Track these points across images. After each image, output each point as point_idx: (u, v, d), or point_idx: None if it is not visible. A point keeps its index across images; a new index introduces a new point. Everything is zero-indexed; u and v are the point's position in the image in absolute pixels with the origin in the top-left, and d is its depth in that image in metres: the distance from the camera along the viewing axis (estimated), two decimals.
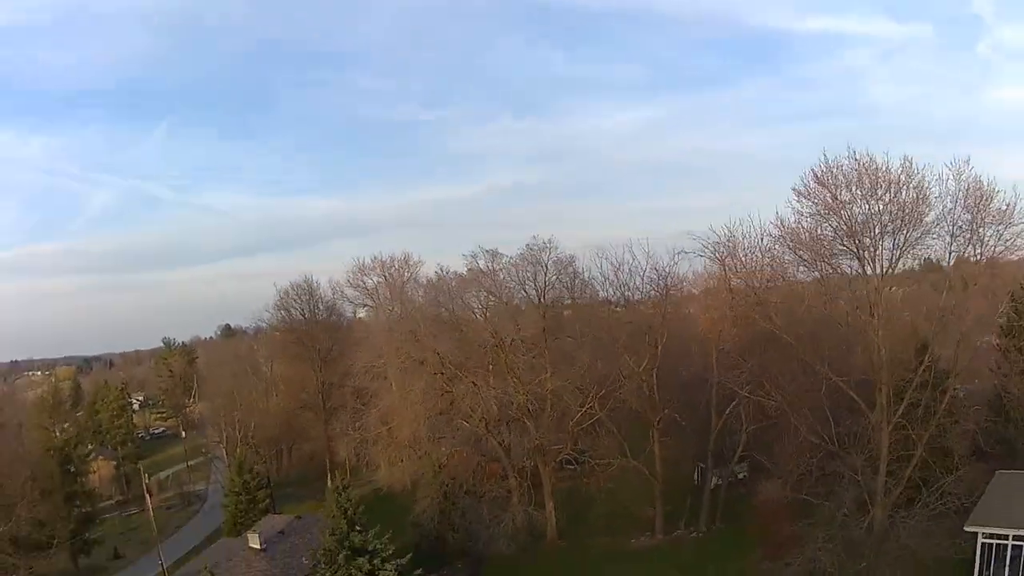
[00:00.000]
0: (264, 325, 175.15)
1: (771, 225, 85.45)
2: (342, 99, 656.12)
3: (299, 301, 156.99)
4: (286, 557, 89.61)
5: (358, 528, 73.72)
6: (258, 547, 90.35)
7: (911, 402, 77.65)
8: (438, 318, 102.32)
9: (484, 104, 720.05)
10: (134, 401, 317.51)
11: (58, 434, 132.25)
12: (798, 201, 79.17)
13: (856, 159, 76.77)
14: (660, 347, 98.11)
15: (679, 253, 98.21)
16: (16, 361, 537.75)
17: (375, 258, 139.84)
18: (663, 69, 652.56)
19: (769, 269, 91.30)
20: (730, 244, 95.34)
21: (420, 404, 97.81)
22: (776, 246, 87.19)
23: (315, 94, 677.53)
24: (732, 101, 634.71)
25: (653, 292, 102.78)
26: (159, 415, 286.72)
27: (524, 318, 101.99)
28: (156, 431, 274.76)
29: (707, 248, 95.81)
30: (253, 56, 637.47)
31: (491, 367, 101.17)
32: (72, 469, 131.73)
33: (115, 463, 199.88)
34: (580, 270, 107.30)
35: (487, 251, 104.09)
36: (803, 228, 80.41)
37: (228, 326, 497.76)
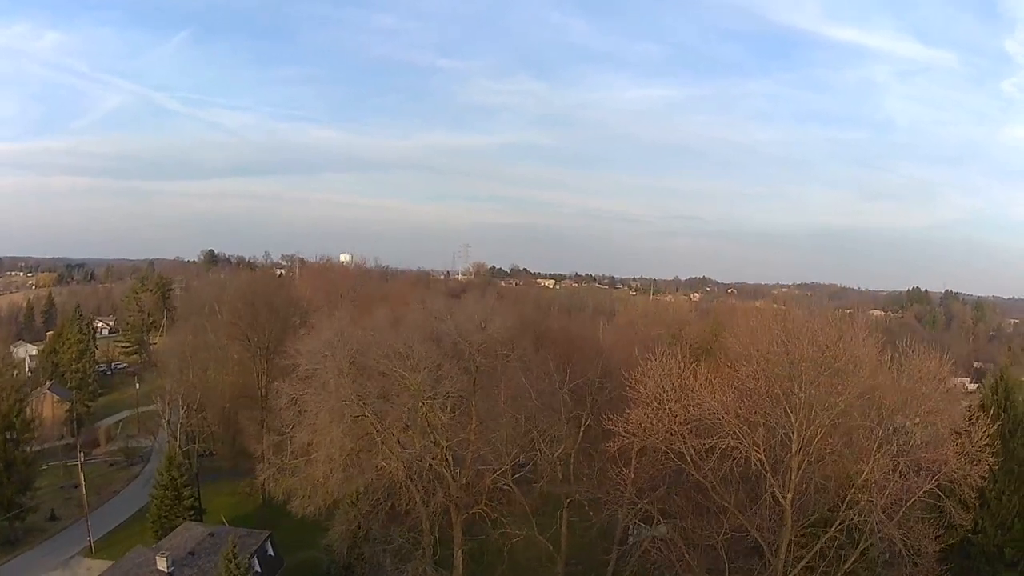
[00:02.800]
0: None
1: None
2: (361, 37, 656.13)
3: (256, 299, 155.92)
4: None
5: None
6: (165, 570, 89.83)
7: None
8: (364, 364, 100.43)
9: (501, 60, 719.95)
10: (102, 326, 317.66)
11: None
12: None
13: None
14: (583, 428, 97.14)
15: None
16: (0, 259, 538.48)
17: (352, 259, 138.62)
18: (682, 51, 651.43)
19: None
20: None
21: (337, 446, 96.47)
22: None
23: (335, 28, 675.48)
24: (745, 93, 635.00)
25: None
26: (123, 349, 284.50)
27: (451, 371, 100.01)
28: (118, 365, 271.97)
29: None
30: None
31: (411, 422, 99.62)
32: (14, 436, 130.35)
33: (68, 403, 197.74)
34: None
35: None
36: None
37: (212, 252, 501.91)
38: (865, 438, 78.64)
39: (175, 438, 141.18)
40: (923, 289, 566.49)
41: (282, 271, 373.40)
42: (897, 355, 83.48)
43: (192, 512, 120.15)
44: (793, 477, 77.13)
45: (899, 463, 75.12)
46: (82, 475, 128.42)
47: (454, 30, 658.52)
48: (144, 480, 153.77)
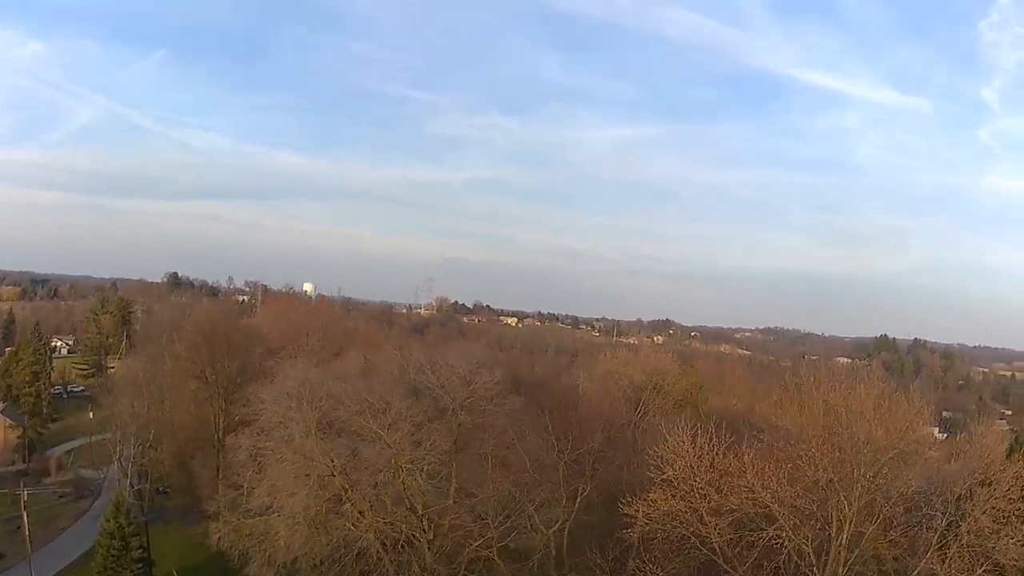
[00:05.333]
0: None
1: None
2: (335, 64, 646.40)
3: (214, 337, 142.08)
4: None
5: None
6: None
7: None
8: (335, 419, 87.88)
9: (474, 94, 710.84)
10: (62, 345, 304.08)
11: None
12: None
13: None
14: (580, 499, 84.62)
15: None
16: None
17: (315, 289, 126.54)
18: (656, 92, 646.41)
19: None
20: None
21: (301, 508, 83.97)
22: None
23: (310, 54, 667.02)
24: (716, 136, 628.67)
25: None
26: (80, 371, 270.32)
27: (433, 431, 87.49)
28: (75, 388, 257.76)
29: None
30: (259, 7, 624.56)
31: (385, 486, 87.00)
32: None
33: (21, 429, 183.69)
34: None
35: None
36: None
37: (175, 274, 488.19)
38: (927, 528, 67.32)
39: (126, 476, 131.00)
40: (890, 336, 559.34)
41: (244, 298, 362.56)
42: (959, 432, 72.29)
43: (140, 565, 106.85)
44: (841, 573, 65.22)
45: (964, 555, 64.09)
46: (25, 516, 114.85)
47: (429, 62, 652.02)
48: (94, 516, 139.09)
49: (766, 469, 67.82)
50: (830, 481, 66.04)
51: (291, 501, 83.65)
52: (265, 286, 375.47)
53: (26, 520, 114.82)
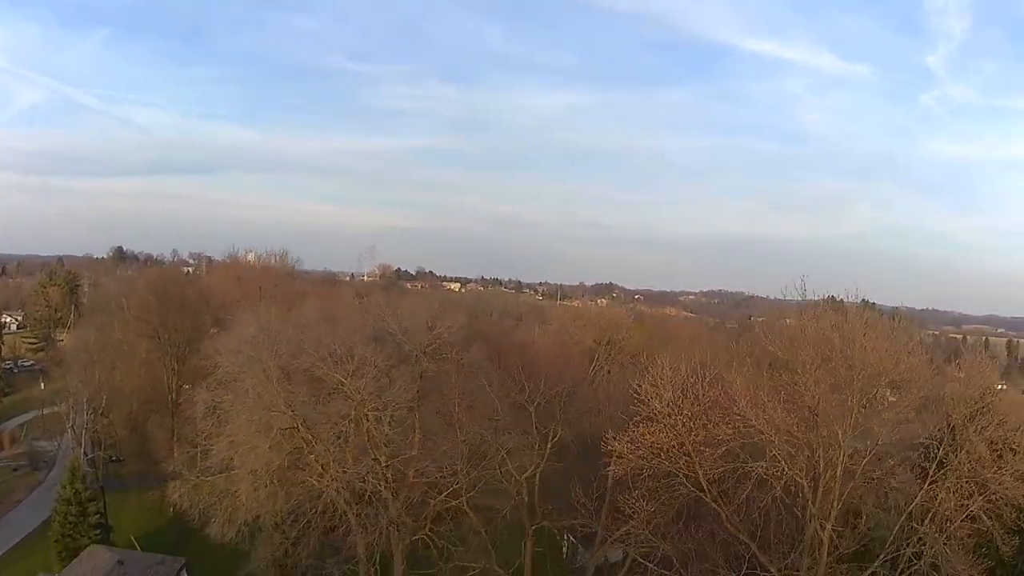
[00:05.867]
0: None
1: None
2: (274, 39, 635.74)
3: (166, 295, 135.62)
4: None
5: None
6: None
7: None
8: (296, 368, 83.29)
9: (413, 64, 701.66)
10: (11, 320, 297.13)
11: None
12: None
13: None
14: (551, 445, 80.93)
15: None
16: None
17: (259, 257, 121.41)
18: (595, 59, 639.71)
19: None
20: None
21: (263, 461, 79.53)
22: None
23: (250, 29, 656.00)
24: (657, 103, 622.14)
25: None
26: (30, 345, 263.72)
27: (397, 376, 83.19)
28: (25, 363, 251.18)
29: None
30: None
31: (349, 434, 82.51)
32: None
33: None
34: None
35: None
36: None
37: (120, 249, 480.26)
38: (925, 457, 65.13)
39: (80, 444, 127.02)
40: (837, 298, 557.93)
41: (189, 269, 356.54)
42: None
43: (98, 531, 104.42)
44: (835, 505, 62.45)
45: (962, 486, 61.51)
46: None
47: (367, 34, 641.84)
48: (48, 487, 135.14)
49: (760, 396, 64.65)
50: (825, 409, 63.02)
51: (252, 456, 79.59)
52: (209, 257, 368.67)
53: None
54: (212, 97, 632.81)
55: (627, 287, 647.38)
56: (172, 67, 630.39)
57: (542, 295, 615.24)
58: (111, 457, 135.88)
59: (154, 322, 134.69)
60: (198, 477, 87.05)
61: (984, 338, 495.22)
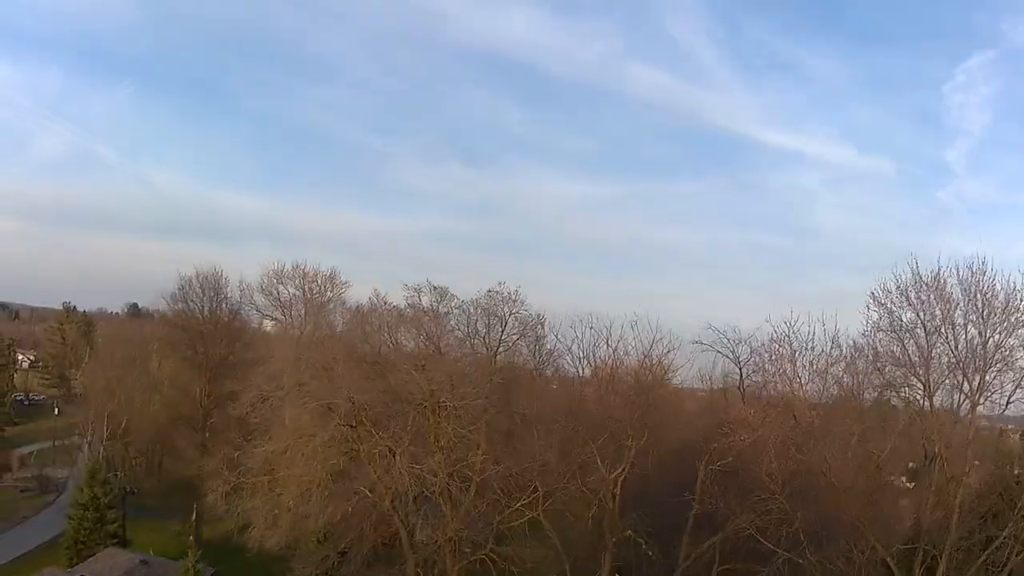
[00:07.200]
0: (163, 310, 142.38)
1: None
2: (298, 107, 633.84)
3: (201, 295, 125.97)
4: None
5: None
6: None
7: None
8: (359, 356, 75.06)
9: (433, 144, 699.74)
10: (23, 359, 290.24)
11: None
12: (877, 311, 57.76)
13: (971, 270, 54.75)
14: (634, 450, 72.10)
15: (694, 343, 70.31)
16: None
17: (297, 265, 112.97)
18: (615, 147, 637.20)
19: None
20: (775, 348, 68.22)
21: (318, 460, 71.15)
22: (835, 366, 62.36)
23: (274, 96, 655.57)
24: (670, 192, 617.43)
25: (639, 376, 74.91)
26: (43, 380, 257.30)
27: (464, 381, 75.05)
28: (36, 396, 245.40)
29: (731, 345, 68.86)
30: (223, 44, 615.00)
31: (414, 431, 74.02)
32: None
33: None
34: (549, 335, 79.81)
35: (435, 287, 77.25)
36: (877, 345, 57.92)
37: (135, 305, 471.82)
38: None
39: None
40: None
41: None
42: None
43: (116, 540, 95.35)
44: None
45: None
46: None
47: (388, 110, 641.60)
48: (58, 509, 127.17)
49: None
50: None
51: (303, 454, 71.25)
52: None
53: None
54: (228, 162, 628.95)
55: None
56: (192, 128, 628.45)
57: None
58: (127, 489, 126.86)
59: (191, 334, 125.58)
60: (238, 478, 78.32)
61: None
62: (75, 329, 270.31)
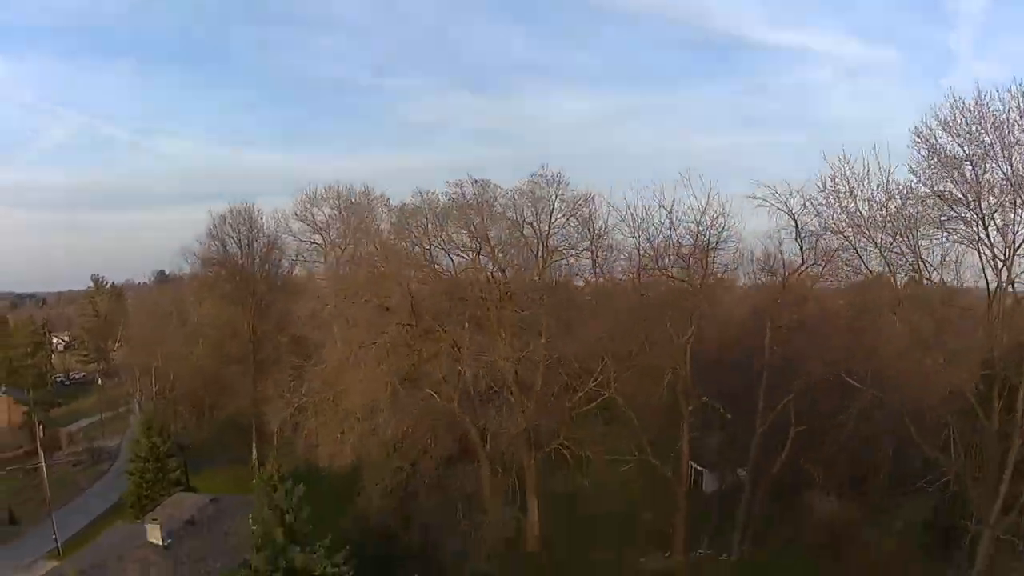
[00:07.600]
0: (195, 260, 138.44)
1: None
2: (301, 60, 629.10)
3: (236, 231, 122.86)
4: (196, 561, 61.75)
5: (297, 545, 46.73)
6: (159, 543, 62.08)
7: None
8: (408, 255, 72.88)
9: (440, 77, 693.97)
10: (58, 341, 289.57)
11: None
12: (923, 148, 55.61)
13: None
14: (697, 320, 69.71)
15: (748, 197, 66.86)
16: None
17: (330, 187, 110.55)
18: (620, 62, 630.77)
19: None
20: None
21: (382, 364, 69.13)
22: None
23: (276, 51, 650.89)
24: (684, 101, 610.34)
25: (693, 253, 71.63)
26: (81, 358, 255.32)
27: (517, 274, 73.03)
28: (76, 375, 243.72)
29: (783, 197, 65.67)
30: (220, 7, 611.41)
31: (474, 323, 71.98)
32: None
33: (25, 408, 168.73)
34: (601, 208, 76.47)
35: (476, 181, 74.60)
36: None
37: (162, 272, 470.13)
38: None
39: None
40: None
41: None
42: None
43: (180, 488, 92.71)
44: None
45: None
46: (44, 466, 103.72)
47: (391, 50, 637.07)
48: (115, 475, 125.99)
49: None
50: None
51: (367, 360, 69.29)
52: None
53: (45, 475, 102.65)
54: (240, 123, 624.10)
55: None
56: (198, 95, 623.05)
57: None
58: (182, 443, 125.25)
59: (222, 278, 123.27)
60: (301, 398, 76.37)
61: None
62: (107, 300, 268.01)
